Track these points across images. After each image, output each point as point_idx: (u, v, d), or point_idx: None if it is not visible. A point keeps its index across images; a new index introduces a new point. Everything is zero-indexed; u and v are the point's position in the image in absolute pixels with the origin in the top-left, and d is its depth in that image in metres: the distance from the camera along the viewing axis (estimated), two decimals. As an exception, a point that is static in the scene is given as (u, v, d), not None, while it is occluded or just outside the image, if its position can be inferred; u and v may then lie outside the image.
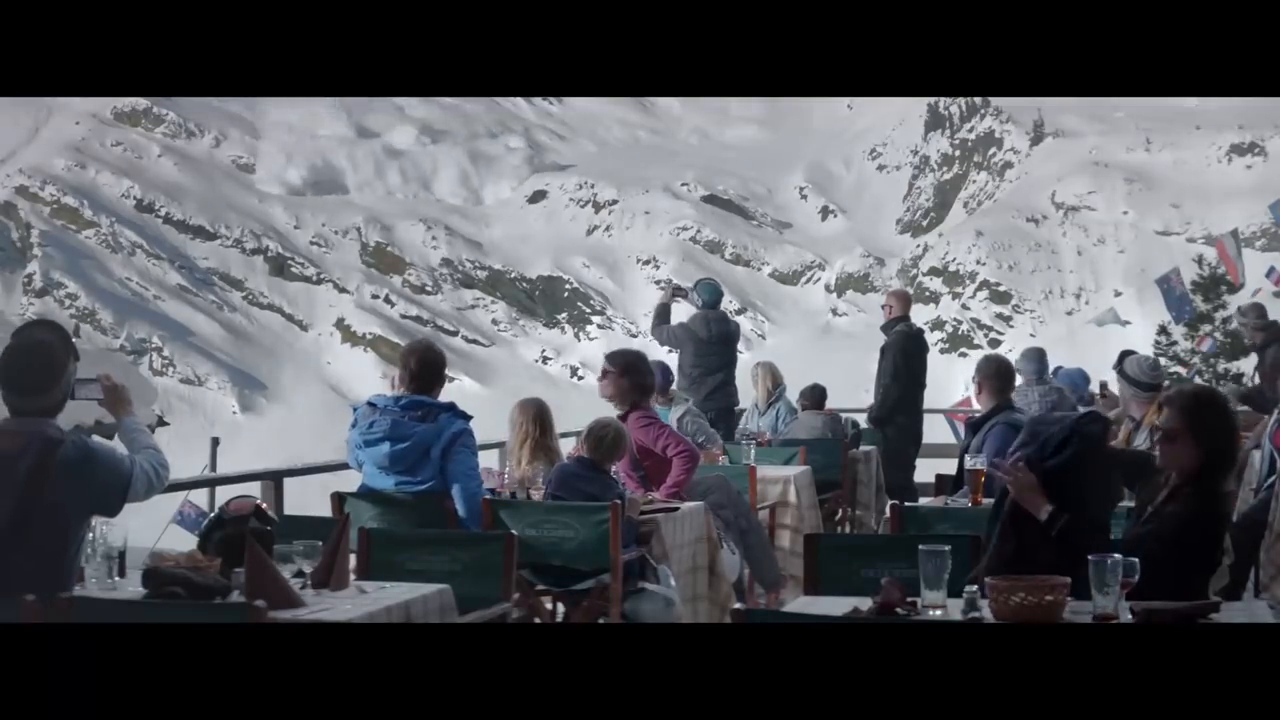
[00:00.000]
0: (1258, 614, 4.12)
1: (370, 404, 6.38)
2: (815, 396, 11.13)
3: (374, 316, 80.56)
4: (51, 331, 4.68)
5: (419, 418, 6.23)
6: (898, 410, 11.28)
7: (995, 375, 7.48)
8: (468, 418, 6.34)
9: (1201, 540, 4.52)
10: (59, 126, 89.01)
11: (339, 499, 6.36)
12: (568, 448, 7.53)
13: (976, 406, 8.41)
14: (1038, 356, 10.43)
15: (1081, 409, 10.75)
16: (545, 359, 79.80)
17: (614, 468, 6.90)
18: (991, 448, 7.06)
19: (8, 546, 4.31)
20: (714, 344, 11.02)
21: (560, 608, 6.63)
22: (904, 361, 11.25)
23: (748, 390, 11.61)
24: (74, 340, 4.75)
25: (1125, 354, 8.04)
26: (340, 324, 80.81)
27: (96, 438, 4.57)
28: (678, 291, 11.49)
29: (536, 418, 7.16)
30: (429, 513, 6.12)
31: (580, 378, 75.00)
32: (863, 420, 11.70)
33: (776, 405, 11.25)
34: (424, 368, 6.39)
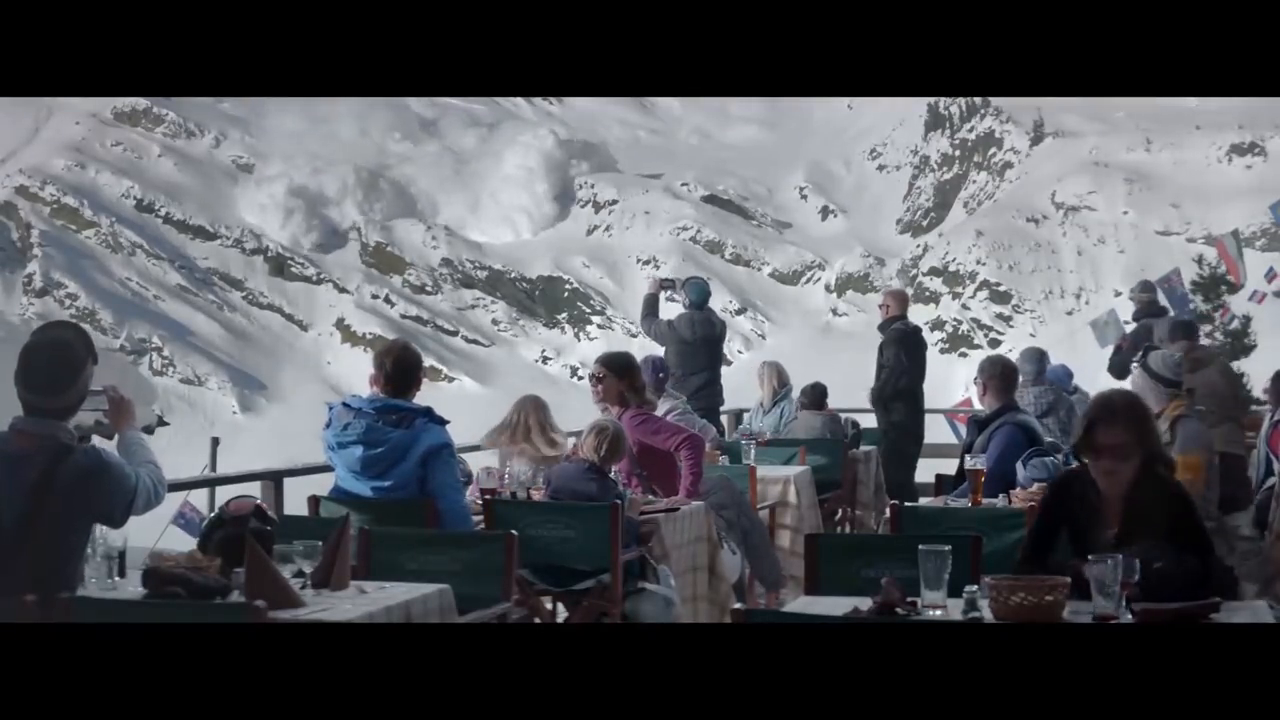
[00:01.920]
0: (1258, 614, 4.12)
1: (345, 405, 6.24)
2: (815, 396, 11.12)
3: (374, 316, 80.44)
4: (72, 331, 4.68)
5: (394, 422, 6.07)
6: (900, 397, 11.27)
7: (1000, 376, 7.51)
8: (444, 423, 6.21)
9: (1197, 529, 4.47)
10: (59, 126, 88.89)
11: (315, 501, 6.31)
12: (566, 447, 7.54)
13: (978, 406, 8.40)
14: (1037, 357, 10.44)
15: (1074, 399, 10.78)
16: (545, 359, 79.68)
17: (614, 469, 6.92)
18: (997, 448, 7.11)
19: (11, 548, 4.32)
20: (697, 345, 11.06)
21: (560, 608, 6.63)
22: (905, 358, 11.26)
23: (752, 390, 11.59)
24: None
25: (1149, 348, 8.07)
26: (340, 324, 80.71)
27: (101, 446, 4.59)
28: (665, 284, 11.51)
29: (527, 413, 7.25)
30: (407, 519, 6.01)
31: (580, 378, 74.83)
32: (863, 420, 11.69)
33: (781, 405, 11.22)
34: (399, 369, 6.20)
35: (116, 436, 4.75)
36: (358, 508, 6.05)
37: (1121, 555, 3.93)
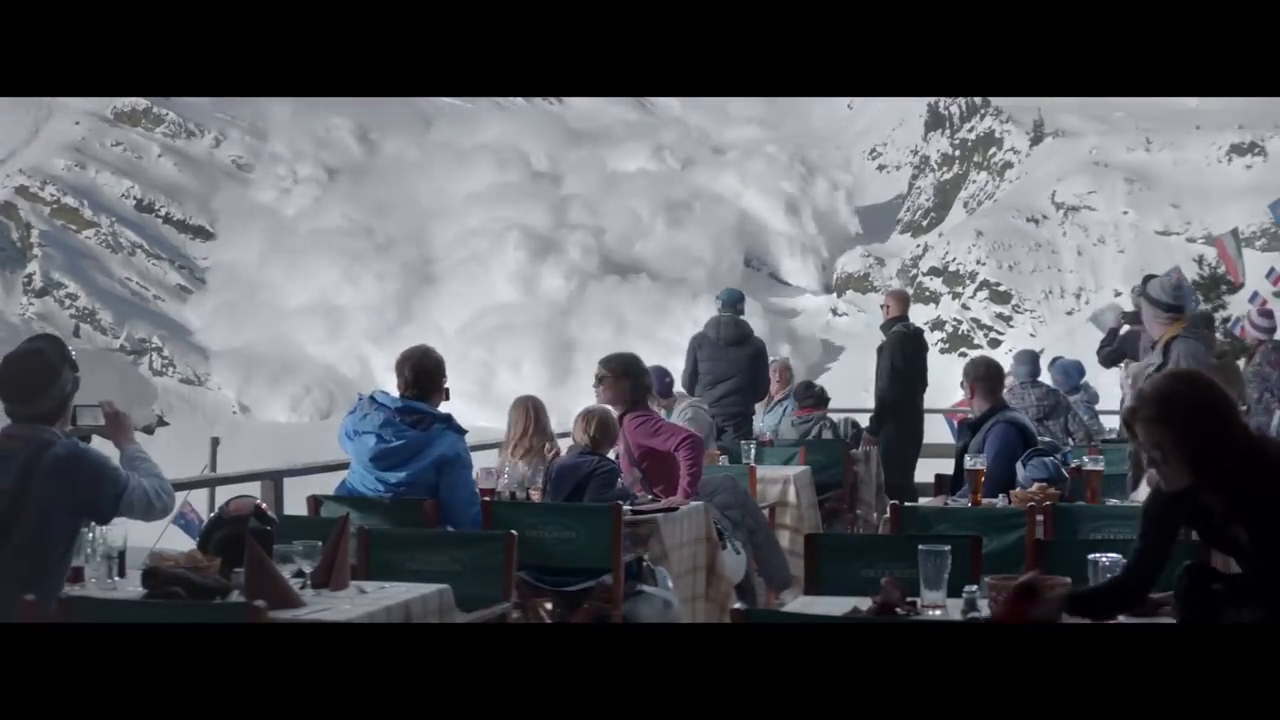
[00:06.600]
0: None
1: (371, 398, 6.34)
2: (806, 395, 11.07)
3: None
4: (45, 341, 4.77)
5: (413, 423, 6.15)
6: (896, 412, 11.22)
7: (986, 377, 7.50)
8: (462, 431, 6.25)
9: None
10: (59, 126, 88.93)
11: (316, 501, 6.32)
12: (563, 444, 7.55)
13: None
14: (1030, 359, 10.49)
15: (1074, 400, 10.77)
16: (545, 359, 79.67)
17: (610, 453, 6.96)
18: (993, 449, 7.08)
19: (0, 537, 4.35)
20: (723, 348, 10.84)
21: (560, 608, 6.63)
22: (902, 361, 11.21)
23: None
24: (75, 341, 4.83)
25: (1149, 278, 8.14)
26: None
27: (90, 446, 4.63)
28: None
29: (531, 412, 7.23)
30: (409, 518, 6.04)
31: (580, 377, 74.86)
32: (863, 421, 11.67)
33: (785, 403, 11.17)
34: (419, 375, 6.27)
35: (120, 452, 4.79)
36: (360, 507, 6.07)
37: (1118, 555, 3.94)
